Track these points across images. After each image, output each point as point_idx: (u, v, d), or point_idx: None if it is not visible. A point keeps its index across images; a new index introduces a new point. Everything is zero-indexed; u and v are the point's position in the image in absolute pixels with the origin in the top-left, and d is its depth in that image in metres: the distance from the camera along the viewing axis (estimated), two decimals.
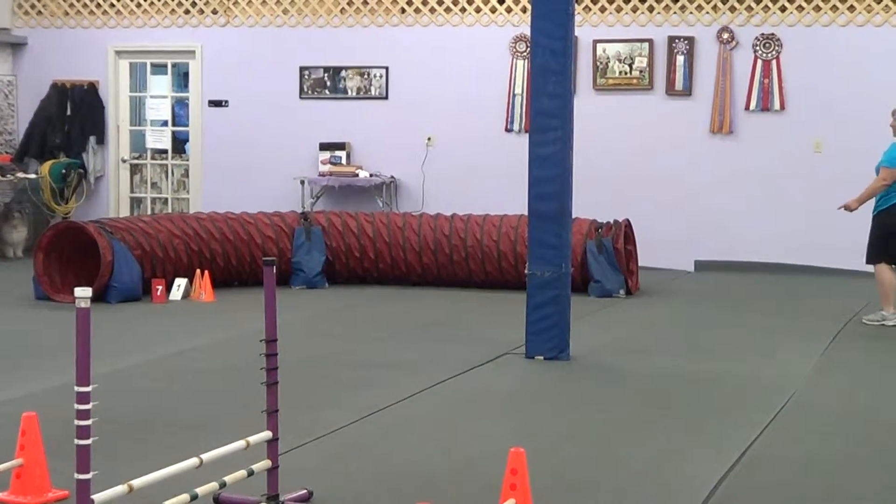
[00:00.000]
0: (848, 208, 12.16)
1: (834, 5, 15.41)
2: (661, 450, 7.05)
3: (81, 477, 4.46)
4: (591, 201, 14.23)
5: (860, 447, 7.15)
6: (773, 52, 15.58)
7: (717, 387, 8.88)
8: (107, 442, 5.41)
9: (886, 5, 15.24)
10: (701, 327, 11.70)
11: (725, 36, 15.71)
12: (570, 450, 7.06)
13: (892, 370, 9.66)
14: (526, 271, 9.87)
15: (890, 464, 6.77)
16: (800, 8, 15.54)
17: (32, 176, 17.24)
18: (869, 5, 15.31)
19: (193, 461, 5.09)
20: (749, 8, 15.69)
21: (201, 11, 17.47)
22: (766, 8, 15.63)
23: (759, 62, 15.65)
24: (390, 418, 7.80)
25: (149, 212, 17.77)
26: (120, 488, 4.71)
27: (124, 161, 18.04)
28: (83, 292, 4.39)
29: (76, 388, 4.43)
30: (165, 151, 18.00)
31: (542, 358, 9.71)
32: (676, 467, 6.67)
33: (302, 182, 16.84)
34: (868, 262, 12.05)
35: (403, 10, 16.81)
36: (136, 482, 4.79)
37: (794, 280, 14.93)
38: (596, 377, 9.28)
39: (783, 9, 15.58)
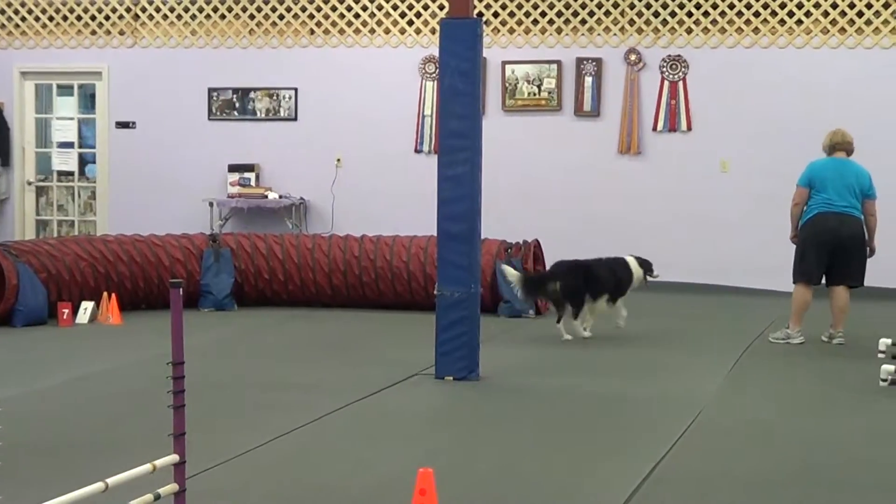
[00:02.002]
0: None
1: (739, 28, 15.61)
2: (570, 469, 7.07)
3: None
4: (500, 222, 14.29)
5: (766, 463, 7.21)
6: (680, 74, 15.74)
7: (626, 405, 8.93)
8: (12, 466, 5.34)
9: (790, 28, 15.45)
10: (609, 346, 11.76)
11: (633, 57, 15.85)
12: (479, 469, 7.06)
13: (797, 387, 9.78)
14: (435, 292, 9.88)
15: (794, 480, 6.83)
16: (706, 30, 15.72)
17: None
18: (773, 28, 15.52)
19: (99, 485, 5.02)
20: (656, 30, 15.84)
21: (108, 32, 17.35)
22: (673, 30, 15.79)
23: (666, 83, 15.80)
24: (300, 440, 7.76)
25: (55, 234, 17.58)
26: None
27: (30, 183, 17.85)
28: None
29: None
30: (72, 173, 17.83)
31: (451, 378, 9.71)
32: (585, 486, 6.69)
33: (211, 204, 16.75)
34: (793, 279, 12.12)
35: (312, 32, 16.79)
36: None
37: (701, 298, 15.07)
38: (505, 397, 9.29)
39: (689, 31, 15.75)
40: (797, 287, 11.95)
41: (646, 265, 12.50)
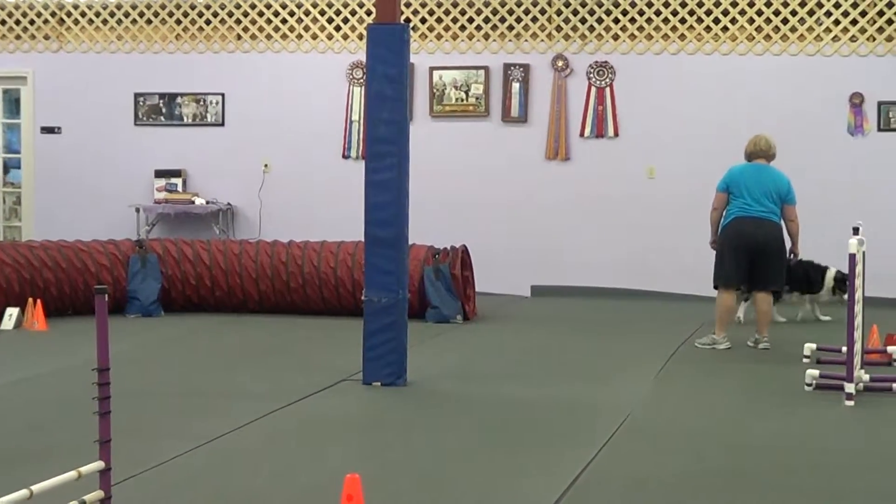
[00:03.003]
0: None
1: (665, 34, 15.73)
2: (496, 474, 7.09)
3: None
4: (428, 227, 14.31)
5: (693, 467, 7.27)
6: (607, 80, 15.83)
7: (553, 411, 8.97)
8: None
9: (716, 34, 15.58)
10: (537, 352, 11.81)
11: (560, 63, 15.93)
12: (406, 475, 7.07)
13: (723, 391, 9.85)
14: (363, 297, 9.88)
15: (721, 484, 6.89)
16: (632, 36, 15.82)
17: None
18: (699, 34, 15.65)
19: (24, 493, 4.99)
20: (583, 36, 15.93)
21: (33, 37, 17.21)
22: (600, 36, 15.89)
23: (594, 89, 15.89)
24: (226, 446, 7.74)
25: None
26: None
27: None
28: None
29: None
30: None
31: (379, 384, 9.72)
32: (512, 492, 6.72)
33: (137, 209, 16.67)
34: (714, 284, 12.21)
35: (239, 37, 16.75)
36: None
37: (628, 304, 15.16)
38: (433, 403, 9.31)
39: (616, 37, 15.85)
40: (719, 293, 12.05)
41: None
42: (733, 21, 15.57)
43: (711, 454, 7.61)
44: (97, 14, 17.04)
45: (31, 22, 17.19)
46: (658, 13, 15.74)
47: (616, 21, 15.85)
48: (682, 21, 15.68)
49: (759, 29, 15.53)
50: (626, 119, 15.83)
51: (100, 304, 5.44)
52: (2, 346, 11.88)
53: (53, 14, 17.13)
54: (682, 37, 15.70)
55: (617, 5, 15.84)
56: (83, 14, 17.06)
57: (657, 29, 15.77)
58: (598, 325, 13.54)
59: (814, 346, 10.82)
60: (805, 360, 10.59)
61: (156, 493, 6.59)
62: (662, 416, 8.85)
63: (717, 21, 15.61)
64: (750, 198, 11.85)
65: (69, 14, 17.12)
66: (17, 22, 17.22)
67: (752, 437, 8.15)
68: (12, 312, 12.88)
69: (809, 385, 9.66)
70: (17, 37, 17.27)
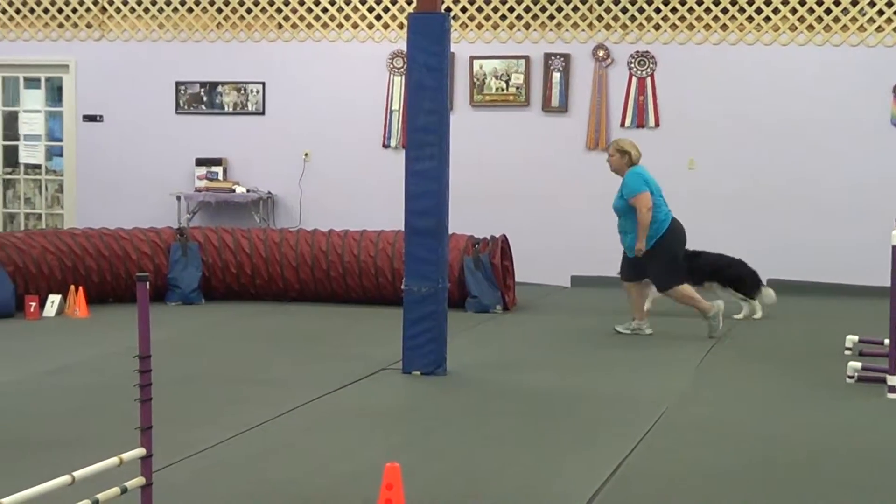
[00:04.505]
0: (640, 251, 12.04)
1: (707, 24, 15.65)
2: (535, 465, 7.09)
3: None
4: (468, 217, 14.28)
5: (731, 461, 7.24)
6: (648, 70, 15.77)
7: (592, 402, 8.95)
8: None
9: (758, 24, 15.50)
10: (576, 343, 11.79)
11: (601, 53, 15.88)
12: (446, 465, 7.07)
13: (763, 384, 9.79)
14: (403, 287, 9.89)
15: (760, 478, 6.87)
16: (674, 26, 15.76)
17: None
18: (741, 24, 15.56)
19: (66, 479, 5.02)
20: (624, 26, 15.88)
21: (75, 25, 17.28)
22: (641, 26, 15.83)
23: (634, 79, 15.83)
24: (266, 435, 7.76)
25: (22, 227, 17.51)
26: None
27: None
28: None
29: None
30: (39, 166, 17.77)
31: (419, 373, 9.73)
32: (551, 482, 6.71)
33: (178, 198, 16.72)
34: (666, 288, 12.14)
35: (280, 26, 16.77)
36: (7, 500, 4.71)
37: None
38: (472, 392, 9.31)
39: (657, 27, 15.79)
40: (680, 287, 12.08)
41: None
42: (776, 11, 15.48)
43: (750, 447, 7.58)
44: (139, 2, 17.09)
45: (74, 10, 17.26)
46: (700, 2, 15.66)
47: (658, 11, 15.78)
48: (725, 11, 15.60)
49: (801, 19, 15.44)
50: (666, 109, 15.77)
51: (141, 292, 5.46)
52: (44, 333, 11.95)
53: (96, 2, 17.20)
54: (724, 27, 15.62)
55: None
56: (125, 2, 17.12)
57: (699, 19, 15.70)
58: None
59: (856, 338, 10.75)
60: (847, 353, 10.52)
61: (196, 480, 6.61)
62: (701, 408, 8.82)
63: (759, 11, 15.52)
64: (661, 198, 12.01)
65: (111, 2, 17.17)
66: (60, 10, 17.29)
67: (793, 430, 8.10)
68: (54, 299, 12.95)
69: (851, 377, 9.61)
70: (60, 25, 17.34)
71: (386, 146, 16.43)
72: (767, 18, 15.51)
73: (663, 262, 12.02)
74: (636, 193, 11.98)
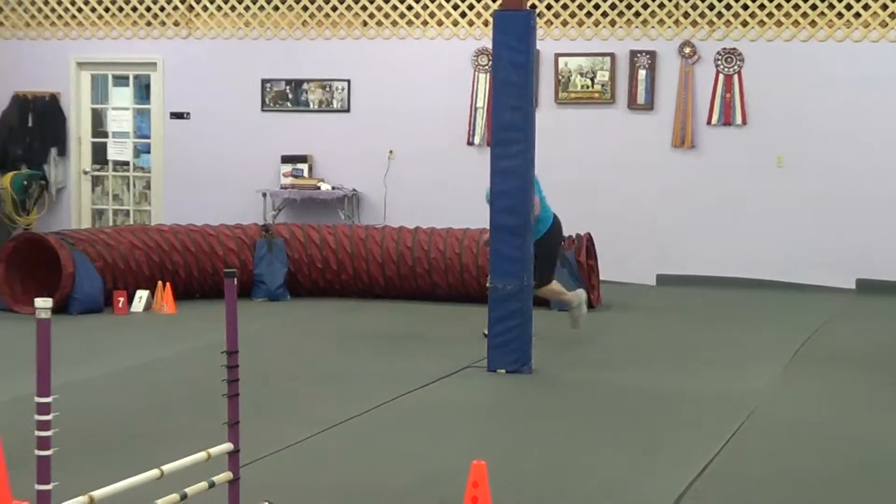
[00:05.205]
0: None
1: (796, 20, 15.50)
2: (622, 463, 7.06)
3: (42, 488, 4.44)
4: None
5: (820, 464, 7.17)
6: (735, 67, 15.64)
7: (678, 401, 8.90)
8: (67, 453, 5.38)
9: (848, 21, 15.33)
10: (662, 341, 11.72)
11: (687, 50, 15.78)
12: (531, 463, 7.06)
13: (853, 386, 9.67)
14: (488, 284, 9.88)
15: (847, 479, 6.80)
16: (761, 23, 15.62)
17: None
18: (830, 21, 15.40)
19: (154, 473, 5.06)
20: (711, 23, 15.76)
21: (163, 23, 17.43)
22: (728, 23, 15.70)
23: (721, 76, 15.71)
24: (351, 431, 7.79)
25: (110, 223, 17.68)
26: (80, 500, 4.68)
27: (86, 173, 17.96)
28: (44, 303, 4.36)
29: (37, 399, 4.40)
30: (127, 163, 17.93)
31: (503, 371, 9.71)
32: (638, 481, 6.68)
33: (264, 194, 16.81)
34: (542, 283, 11.36)
35: (365, 23, 16.81)
36: (97, 493, 4.76)
37: (755, 295, 14.96)
38: (557, 391, 9.29)
39: (745, 23, 15.66)
40: (550, 284, 11.60)
41: None
42: (866, 7, 15.30)
43: (839, 451, 7.49)
44: (225, 1, 17.21)
45: (162, 9, 17.40)
46: None
47: (745, 7, 15.65)
48: (813, 7, 15.44)
49: (892, 15, 15.24)
50: (754, 107, 15.63)
51: (229, 287, 5.50)
52: (132, 328, 12.07)
53: (183, 1, 17.34)
54: (813, 23, 15.46)
55: None
56: (212, 1, 17.24)
57: (787, 15, 15.54)
58: (723, 316, 13.39)
59: None
60: None
61: (282, 475, 6.65)
62: (790, 410, 8.73)
63: (848, 7, 15.34)
64: (544, 196, 11.41)
65: (198, 1, 17.30)
66: (148, 9, 17.44)
67: (881, 434, 7.98)
68: (142, 295, 13.07)
69: None
70: (148, 23, 17.49)
71: (470, 143, 16.41)
72: (857, 15, 15.33)
73: (542, 258, 11.20)
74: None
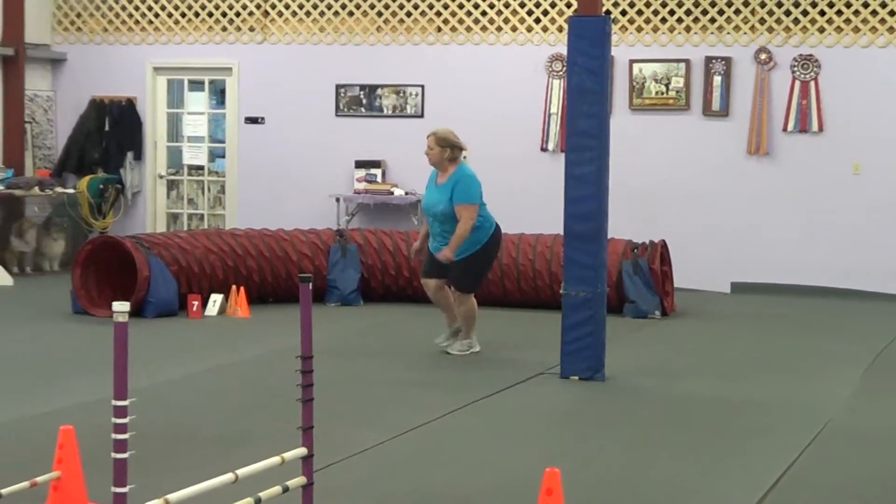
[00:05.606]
0: (449, 259, 10.64)
1: (873, 27, 15.35)
2: (696, 472, 7.02)
3: (118, 490, 4.46)
4: (626, 221, 14.19)
5: None
6: (812, 73, 15.52)
7: (753, 410, 8.84)
8: (143, 456, 5.41)
9: None
10: (736, 350, 11.64)
11: (763, 56, 15.66)
12: (604, 470, 7.04)
13: None
14: (561, 291, 9.86)
15: None
16: (838, 29, 15.48)
17: (71, 191, 17.31)
18: None
19: (229, 476, 5.08)
20: (787, 29, 15.64)
21: (238, 28, 17.53)
22: (805, 29, 15.58)
23: (798, 83, 15.58)
24: (424, 437, 7.79)
25: (185, 227, 17.81)
26: (156, 502, 4.71)
27: (161, 177, 18.10)
28: (121, 306, 4.38)
29: (113, 402, 4.43)
30: (202, 167, 18.06)
31: (577, 378, 9.69)
32: (712, 490, 6.64)
33: (337, 199, 16.86)
34: (469, 290, 10.93)
35: (440, 29, 16.83)
36: (172, 496, 4.78)
37: (830, 303, 14.82)
38: (631, 398, 9.25)
39: (822, 30, 15.53)
40: (472, 299, 11.02)
41: None
42: None
43: None
44: (300, 6, 17.28)
45: (237, 14, 17.51)
46: (866, 5, 15.37)
47: (822, 13, 15.52)
48: (892, 13, 15.28)
49: None
50: (830, 114, 15.49)
51: (304, 293, 5.51)
52: (206, 331, 12.14)
53: (258, 6, 17.43)
54: (891, 29, 15.30)
55: None
56: (287, 6, 17.33)
57: (864, 21, 15.40)
58: (799, 324, 13.28)
59: None
60: None
61: (355, 481, 6.66)
62: (866, 419, 8.65)
63: None
64: (484, 203, 11.05)
65: (273, 6, 17.39)
66: (224, 14, 17.56)
67: None
68: (216, 299, 13.14)
69: None
70: (224, 28, 17.61)
71: (544, 149, 16.38)
72: None
73: (476, 267, 10.93)
74: (470, 202, 10.78)
